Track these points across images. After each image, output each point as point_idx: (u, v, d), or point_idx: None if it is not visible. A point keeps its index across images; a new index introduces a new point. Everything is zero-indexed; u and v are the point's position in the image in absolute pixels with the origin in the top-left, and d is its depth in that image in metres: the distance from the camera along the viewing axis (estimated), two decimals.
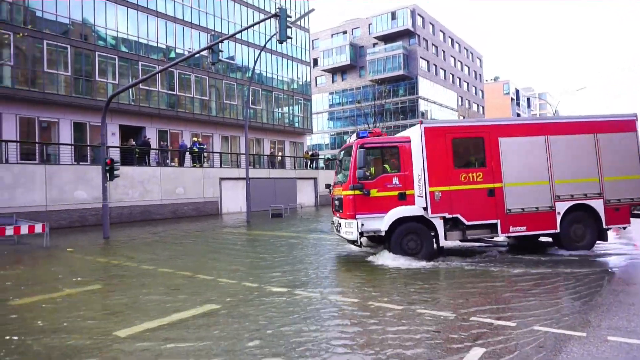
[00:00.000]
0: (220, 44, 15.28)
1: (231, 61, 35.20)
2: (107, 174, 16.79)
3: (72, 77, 25.14)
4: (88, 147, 25.35)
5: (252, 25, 18.49)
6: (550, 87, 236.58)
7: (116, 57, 27.31)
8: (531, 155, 9.97)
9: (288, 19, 16.11)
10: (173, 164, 28.62)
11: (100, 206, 18.33)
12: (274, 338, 5.15)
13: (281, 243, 13.89)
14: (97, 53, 26.23)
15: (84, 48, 25.64)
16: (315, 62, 61.62)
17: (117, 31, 27.56)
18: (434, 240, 9.73)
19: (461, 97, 69.03)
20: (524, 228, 9.82)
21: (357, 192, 9.59)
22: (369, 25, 59.90)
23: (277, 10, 16.71)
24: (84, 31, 25.97)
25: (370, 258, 10.04)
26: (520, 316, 5.75)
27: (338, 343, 4.98)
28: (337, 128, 62.96)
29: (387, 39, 58.20)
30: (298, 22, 40.49)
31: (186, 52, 30.53)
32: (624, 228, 10.92)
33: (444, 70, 64.28)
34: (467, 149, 10.08)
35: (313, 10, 26.67)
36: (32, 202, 19.87)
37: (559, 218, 9.91)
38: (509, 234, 9.91)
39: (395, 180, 9.67)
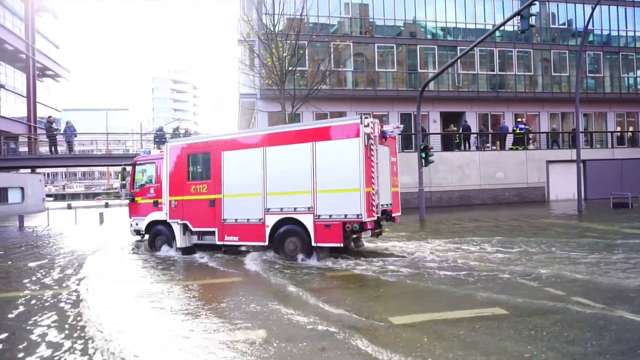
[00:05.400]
0: (530, 7, 13.17)
1: (562, 26, 30.75)
2: (423, 160, 17.70)
3: (398, 72, 27.76)
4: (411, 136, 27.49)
5: None
6: None
7: (435, 47, 28.38)
8: (249, 168, 10.15)
9: None
10: (494, 147, 27.55)
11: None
12: None
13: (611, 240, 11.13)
14: (418, 47, 27.98)
15: (407, 44, 27.83)
16: None
17: (435, 22, 28.61)
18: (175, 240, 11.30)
19: None
20: (236, 238, 10.32)
21: (129, 199, 12.58)
22: None
23: None
24: (408, 29, 28.20)
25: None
26: None
27: None
28: None
29: None
30: None
31: (506, 27, 28.61)
32: (338, 249, 9.64)
33: None
34: (199, 164, 11.11)
35: None
36: None
37: (267, 231, 9.83)
38: (224, 242, 10.57)
39: (152, 191, 11.92)
